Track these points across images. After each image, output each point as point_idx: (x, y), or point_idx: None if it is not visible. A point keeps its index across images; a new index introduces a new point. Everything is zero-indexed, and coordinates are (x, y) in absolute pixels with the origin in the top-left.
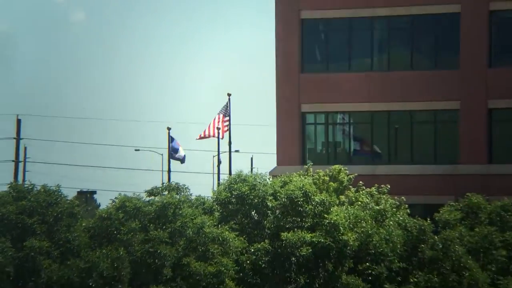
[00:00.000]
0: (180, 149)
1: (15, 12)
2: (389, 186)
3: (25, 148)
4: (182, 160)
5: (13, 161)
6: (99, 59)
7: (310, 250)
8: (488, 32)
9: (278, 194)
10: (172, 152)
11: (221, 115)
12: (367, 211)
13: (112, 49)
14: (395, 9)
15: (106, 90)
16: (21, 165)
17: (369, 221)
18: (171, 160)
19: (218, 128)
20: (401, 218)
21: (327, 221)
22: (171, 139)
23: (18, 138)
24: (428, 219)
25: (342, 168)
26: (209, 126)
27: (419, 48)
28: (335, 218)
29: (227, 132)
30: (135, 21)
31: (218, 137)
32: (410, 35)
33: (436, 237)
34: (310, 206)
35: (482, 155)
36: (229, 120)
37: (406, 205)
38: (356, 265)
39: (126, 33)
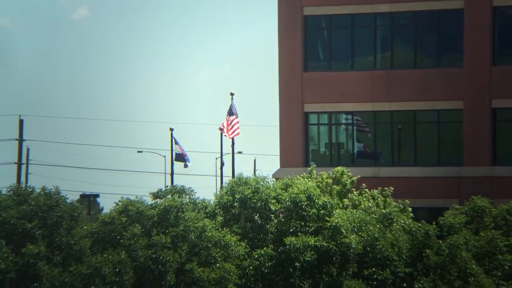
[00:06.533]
0: (179, 149)
1: (16, 9)
2: (392, 189)
3: (28, 150)
4: (185, 164)
5: (15, 163)
6: (101, 60)
7: (314, 254)
8: (492, 29)
9: (281, 197)
10: (178, 159)
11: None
12: (373, 215)
13: (113, 49)
14: (398, 5)
15: (108, 91)
16: (23, 167)
17: (376, 225)
18: (174, 162)
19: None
20: (406, 222)
21: (330, 224)
22: (174, 142)
23: (20, 140)
24: (434, 223)
25: (345, 170)
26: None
27: (422, 45)
28: (337, 221)
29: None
30: (136, 21)
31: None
32: (413, 32)
33: (441, 242)
34: (313, 210)
35: (486, 157)
36: (232, 121)
37: (410, 209)
38: (361, 270)
39: (128, 32)
